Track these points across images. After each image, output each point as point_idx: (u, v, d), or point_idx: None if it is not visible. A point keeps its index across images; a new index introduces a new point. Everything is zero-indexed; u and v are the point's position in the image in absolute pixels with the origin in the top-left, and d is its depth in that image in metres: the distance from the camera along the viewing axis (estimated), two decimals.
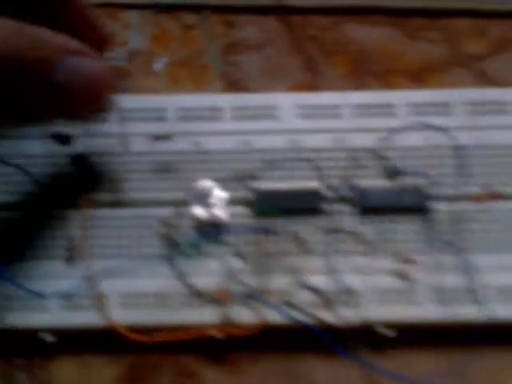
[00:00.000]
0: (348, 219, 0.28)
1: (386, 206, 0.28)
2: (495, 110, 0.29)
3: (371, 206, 0.28)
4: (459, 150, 0.28)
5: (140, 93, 0.31)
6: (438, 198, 0.28)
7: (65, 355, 0.28)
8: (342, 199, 0.28)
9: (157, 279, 0.27)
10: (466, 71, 0.32)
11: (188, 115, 0.30)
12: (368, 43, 0.32)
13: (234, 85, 0.32)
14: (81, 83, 0.23)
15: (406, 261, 0.27)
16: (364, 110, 0.29)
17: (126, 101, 0.30)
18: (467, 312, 0.26)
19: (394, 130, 0.29)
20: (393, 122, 0.29)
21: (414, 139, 0.29)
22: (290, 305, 0.27)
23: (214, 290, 0.27)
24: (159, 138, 0.29)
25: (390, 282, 0.27)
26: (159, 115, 0.29)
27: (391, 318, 0.27)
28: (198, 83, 0.32)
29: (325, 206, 0.28)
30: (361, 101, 0.30)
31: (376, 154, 0.29)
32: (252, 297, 0.27)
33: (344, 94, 0.30)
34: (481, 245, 0.27)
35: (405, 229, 0.28)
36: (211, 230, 0.28)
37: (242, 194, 0.28)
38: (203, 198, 0.28)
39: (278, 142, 0.29)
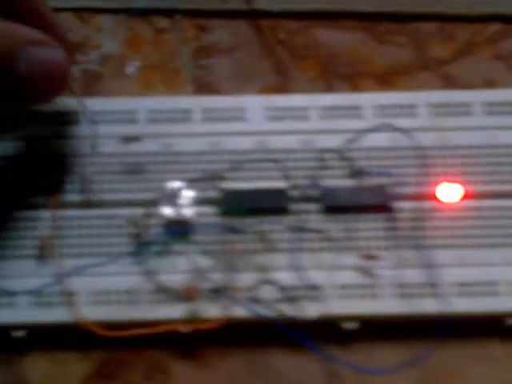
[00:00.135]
0: (313, 218, 0.28)
1: (350, 205, 0.28)
2: (459, 111, 0.30)
3: (336, 205, 0.28)
4: (422, 151, 0.29)
5: (112, 96, 0.32)
6: (401, 197, 0.28)
7: (36, 351, 0.28)
8: (308, 198, 0.29)
9: (126, 277, 0.28)
10: (432, 74, 0.32)
11: (158, 117, 0.30)
12: (337, 47, 0.33)
13: (205, 88, 0.32)
14: (43, 72, 0.24)
15: (369, 257, 0.27)
16: (331, 111, 0.30)
17: (97, 103, 0.30)
18: (428, 305, 0.27)
19: (360, 132, 0.29)
20: (359, 124, 0.30)
21: (379, 140, 0.29)
22: (256, 300, 0.27)
23: (181, 287, 0.27)
24: (129, 139, 0.29)
25: (353, 277, 0.27)
26: (130, 117, 0.30)
27: (354, 312, 0.27)
28: (170, 86, 0.33)
29: (291, 206, 0.28)
30: (328, 103, 0.30)
31: (342, 154, 0.29)
32: (219, 293, 0.27)
33: (312, 97, 0.30)
34: (441, 241, 0.28)
35: (368, 226, 0.28)
36: (179, 229, 0.28)
37: (211, 194, 0.29)
38: (172, 198, 0.28)
39: (247, 143, 0.30)
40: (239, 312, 0.27)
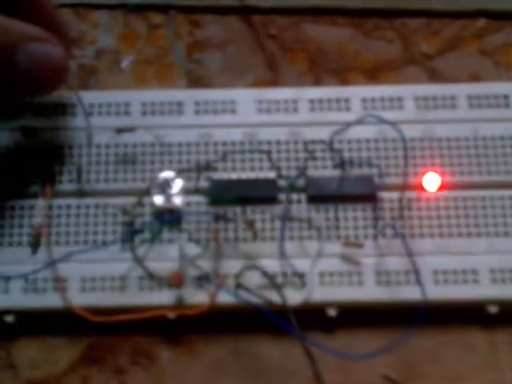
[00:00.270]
0: (300, 207, 0.29)
1: (336, 195, 0.29)
2: (444, 104, 0.30)
3: (321, 195, 0.29)
4: (407, 142, 0.29)
5: (107, 90, 0.32)
6: (386, 187, 0.29)
7: (26, 336, 0.29)
8: (295, 188, 0.29)
9: (116, 264, 0.28)
10: (419, 69, 0.33)
11: (151, 109, 0.31)
12: (326, 42, 0.34)
13: (198, 82, 0.33)
14: (41, 67, 0.25)
15: (354, 245, 0.28)
16: (320, 104, 0.31)
17: (92, 96, 0.31)
18: (410, 293, 0.27)
19: (347, 124, 0.30)
20: (347, 116, 0.30)
21: (366, 132, 0.30)
22: (242, 287, 0.28)
23: (169, 274, 0.28)
24: (122, 130, 0.30)
25: (337, 265, 0.28)
26: (123, 109, 0.31)
27: (338, 299, 0.28)
28: (164, 80, 0.33)
29: (278, 195, 0.29)
30: (317, 96, 0.31)
31: (330, 146, 0.30)
32: (206, 280, 0.28)
33: (300, 89, 0.31)
34: (424, 230, 0.29)
35: (353, 216, 0.29)
36: (170, 218, 0.29)
37: (201, 183, 0.29)
38: (163, 188, 0.29)
39: (237, 134, 0.30)
40: (225, 298, 0.28)
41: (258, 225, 0.29)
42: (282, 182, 0.29)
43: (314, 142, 0.30)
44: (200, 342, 0.29)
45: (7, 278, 0.28)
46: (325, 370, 0.28)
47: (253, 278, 0.28)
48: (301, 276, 0.28)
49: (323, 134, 0.30)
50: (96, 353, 0.28)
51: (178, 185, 0.29)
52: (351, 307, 0.28)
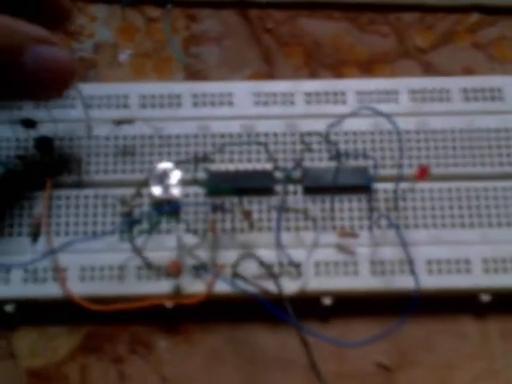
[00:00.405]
0: (296, 198, 0.29)
1: (332, 186, 0.29)
2: (438, 97, 0.31)
3: (318, 186, 0.29)
4: (402, 135, 0.30)
5: (105, 83, 0.33)
6: (381, 179, 0.29)
7: (26, 326, 0.29)
8: (291, 180, 0.30)
9: (115, 254, 0.29)
10: (413, 63, 0.34)
11: (149, 102, 0.31)
12: (322, 36, 0.34)
13: (196, 75, 0.34)
14: (48, 70, 0.25)
15: (349, 235, 0.29)
16: (316, 97, 0.31)
17: (91, 88, 0.31)
18: (403, 282, 0.28)
19: (343, 116, 0.30)
20: (343, 109, 0.31)
21: (361, 124, 0.31)
22: (239, 276, 0.28)
23: (167, 264, 0.28)
24: (121, 122, 0.30)
25: (333, 255, 0.29)
26: (122, 102, 0.31)
27: (333, 288, 0.28)
28: (162, 74, 0.34)
29: (274, 186, 0.29)
30: (313, 89, 0.31)
31: (326, 138, 0.30)
32: (203, 269, 0.28)
33: (296, 82, 0.31)
34: (418, 221, 0.29)
35: (349, 207, 0.29)
36: (168, 209, 0.29)
37: (198, 175, 0.30)
38: (162, 179, 0.30)
39: (234, 127, 0.31)
40: (222, 288, 0.28)
41: (255, 215, 0.29)
42: (278, 174, 0.30)
43: (310, 134, 0.30)
44: (197, 331, 0.29)
45: (7, 268, 0.28)
46: (320, 359, 0.28)
47: (249, 268, 0.28)
48: (297, 266, 0.28)
49: (319, 126, 0.30)
50: (95, 342, 0.29)
51: (176, 176, 0.29)
52: (346, 296, 0.28)
